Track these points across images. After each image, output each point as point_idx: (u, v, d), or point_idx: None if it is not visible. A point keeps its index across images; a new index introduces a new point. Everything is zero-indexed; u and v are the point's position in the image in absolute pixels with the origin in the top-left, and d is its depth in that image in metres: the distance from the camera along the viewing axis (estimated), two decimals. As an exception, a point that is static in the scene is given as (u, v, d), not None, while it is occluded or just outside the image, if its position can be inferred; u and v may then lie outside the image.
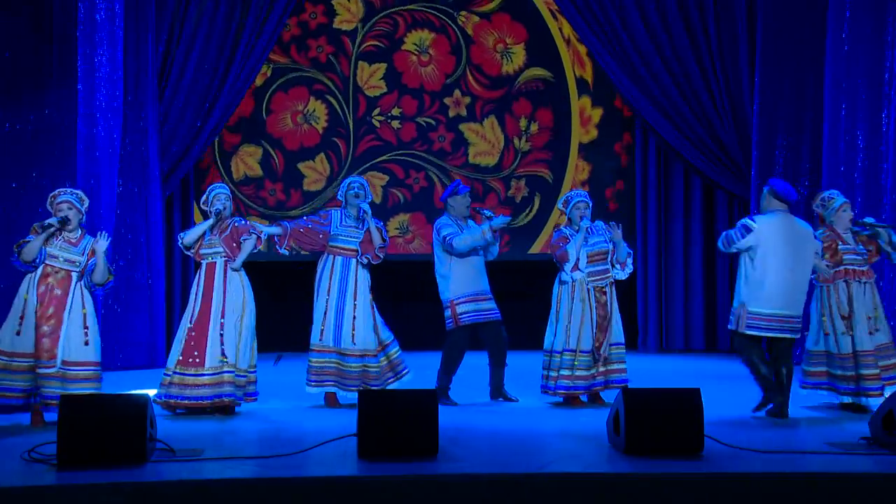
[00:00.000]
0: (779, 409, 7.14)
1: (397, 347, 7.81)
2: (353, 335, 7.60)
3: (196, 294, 7.33)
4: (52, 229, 6.88)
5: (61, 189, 7.16)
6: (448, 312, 7.84)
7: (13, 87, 8.14)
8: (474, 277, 7.88)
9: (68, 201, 7.00)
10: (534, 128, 12.22)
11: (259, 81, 11.80)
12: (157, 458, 5.52)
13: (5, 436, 6.38)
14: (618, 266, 7.74)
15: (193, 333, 7.23)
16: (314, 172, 12.03)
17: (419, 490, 5.03)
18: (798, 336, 7.30)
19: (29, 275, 6.89)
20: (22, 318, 6.80)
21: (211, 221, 7.39)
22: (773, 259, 7.15)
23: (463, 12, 12.16)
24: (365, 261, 7.71)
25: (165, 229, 11.18)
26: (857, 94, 9.56)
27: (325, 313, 7.64)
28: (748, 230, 7.23)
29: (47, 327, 6.79)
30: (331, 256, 7.73)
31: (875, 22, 9.46)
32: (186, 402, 7.16)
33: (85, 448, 5.35)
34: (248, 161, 11.98)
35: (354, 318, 7.62)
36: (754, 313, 7.18)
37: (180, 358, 7.22)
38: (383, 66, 12.08)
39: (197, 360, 7.18)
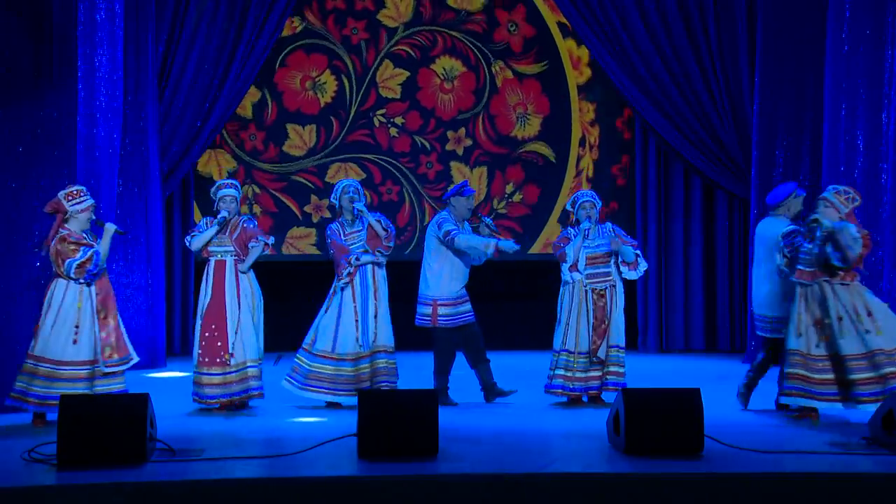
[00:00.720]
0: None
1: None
2: (376, 334, 7.64)
3: (206, 292, 7.36)
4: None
5: (81, 187, 7.08)
6: (428, 310, 7.84)
7: (13, 87, 8.12)
8: (460, 279, 7.92)
9: (94, 204, 7.06)
10: (517, 197, 12.19)
11: (286, 32, 11.73)
12: (157, 458, 5.53)
13: (5, 436, 6.38)
14: (626, 267, 7.73)
15: (217, 334, 7.26)
16: (299, 139, 11.97)
17: (419, 490, 5.03)
18: (771, 335, 7.43)
19: (75, 284, 6.78)
20: (77, 326, 6.73)
21: (216, 229, 7.41)
22: (754, 261, 7.70)
23: (500, 62, 12.12)
24: (377, 256, 7.72)
25: (165, 229, 11.19)
26: (857, 94, 9.54)
27: (357, 321, 7.63)
28: None
29: (105, 331, 6.81)
30: None
31: (875, 22, 9.44)
32: (219, 399, 7.27)
33: (85, 448, 5.35)
34: (242, 99, 11.91)
35: (377, 316, 7.66)
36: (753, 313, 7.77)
37: (206, 359, 7.26)
38: (406, 73, 12.06)
39: (219, 359, 7.24)
